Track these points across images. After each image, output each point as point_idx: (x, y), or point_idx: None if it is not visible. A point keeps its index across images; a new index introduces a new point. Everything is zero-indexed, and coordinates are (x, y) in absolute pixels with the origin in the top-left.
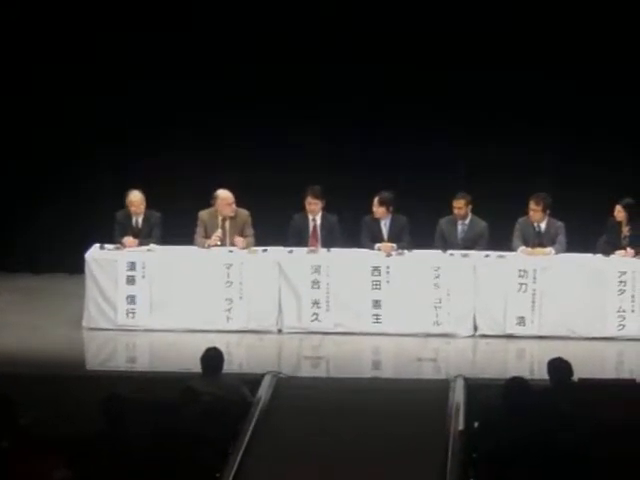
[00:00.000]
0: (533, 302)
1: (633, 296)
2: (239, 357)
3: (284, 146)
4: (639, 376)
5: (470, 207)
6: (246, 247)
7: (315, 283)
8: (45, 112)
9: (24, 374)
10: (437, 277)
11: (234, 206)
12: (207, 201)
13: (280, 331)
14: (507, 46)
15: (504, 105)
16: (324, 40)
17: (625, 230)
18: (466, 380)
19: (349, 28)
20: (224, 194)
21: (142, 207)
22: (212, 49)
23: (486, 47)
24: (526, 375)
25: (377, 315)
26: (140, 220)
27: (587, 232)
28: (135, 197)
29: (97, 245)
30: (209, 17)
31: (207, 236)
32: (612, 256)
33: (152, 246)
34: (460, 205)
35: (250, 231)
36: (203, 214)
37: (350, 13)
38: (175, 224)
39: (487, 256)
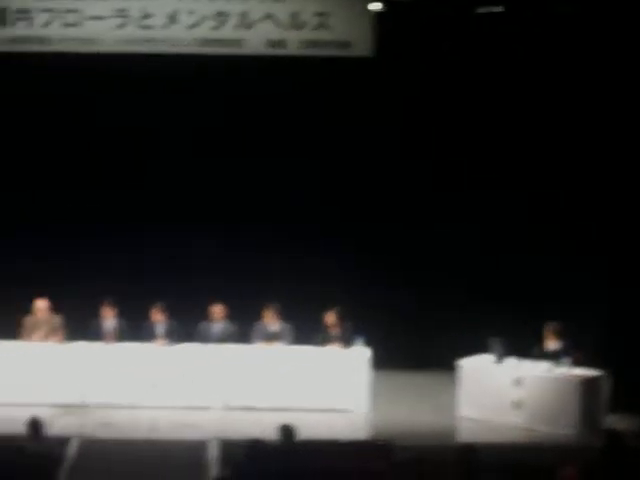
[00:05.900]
0: (271, 381)
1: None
2: (59, 424)
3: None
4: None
5: (225, 312)
6: (58, 341)
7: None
8: None
9: None
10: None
11: (48, 312)
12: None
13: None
14: None
15: None
16: None
17: (334, 330)
18: (221, 441)
19: None
20: (39, 304)
21: None
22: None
23: None
24: (263, 437)
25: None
26: None
27: (310, 330)
28: None
29: None
30: None
31: (29, 335)
32: (326, 347)
33: None
34: (218, 310)
35: (61, 331)
36: (27, 319)
37: None
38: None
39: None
